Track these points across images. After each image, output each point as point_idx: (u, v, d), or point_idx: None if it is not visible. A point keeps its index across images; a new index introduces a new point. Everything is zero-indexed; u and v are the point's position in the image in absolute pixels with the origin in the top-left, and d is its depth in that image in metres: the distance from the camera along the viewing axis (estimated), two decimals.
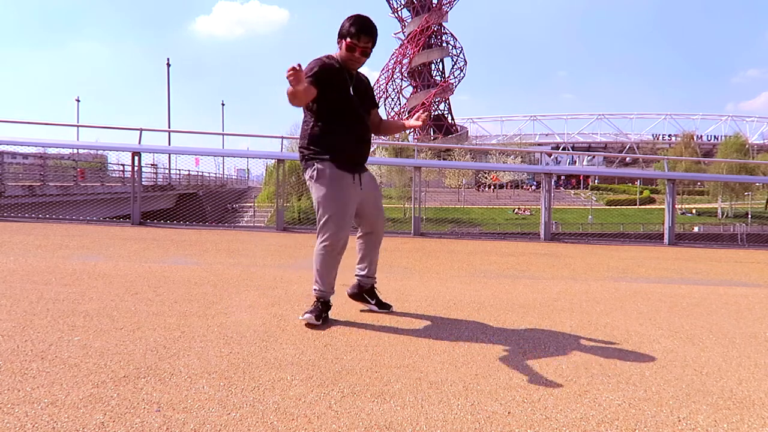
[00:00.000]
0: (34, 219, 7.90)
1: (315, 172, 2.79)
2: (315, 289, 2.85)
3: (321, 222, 2.80)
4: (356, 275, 3.11)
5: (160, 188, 19.69)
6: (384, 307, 3.16)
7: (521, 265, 5.51)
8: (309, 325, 2.76)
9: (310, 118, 2.83)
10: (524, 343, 2.68)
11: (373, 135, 3.03)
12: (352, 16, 2.74)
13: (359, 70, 2.90)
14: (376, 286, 3.15)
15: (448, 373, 2.21)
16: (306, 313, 2.79)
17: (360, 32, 2.69)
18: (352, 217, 2.88)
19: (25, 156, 18.02)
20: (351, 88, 2.81)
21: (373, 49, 2.80)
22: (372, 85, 3.07)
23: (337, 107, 2.78)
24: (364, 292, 3.13)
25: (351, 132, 2.82)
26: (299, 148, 2.89)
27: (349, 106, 2.81)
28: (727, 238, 28.01)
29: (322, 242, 2.80)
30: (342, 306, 3.23)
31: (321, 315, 2.81)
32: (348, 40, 2.70)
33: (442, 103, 76.04)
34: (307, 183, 2.92)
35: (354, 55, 2.73)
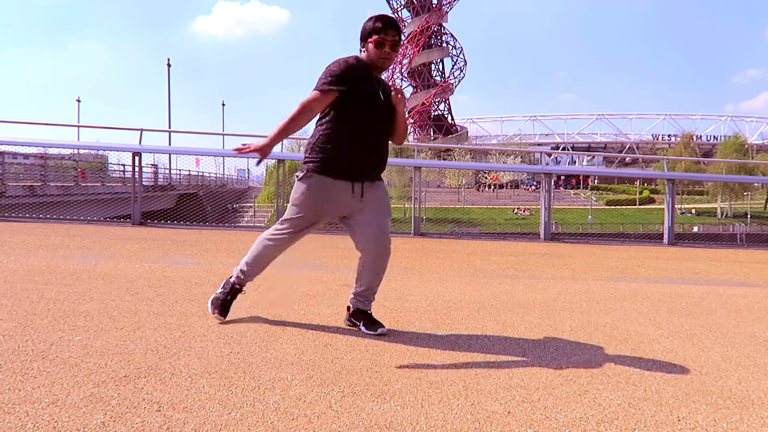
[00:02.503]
0: (34, 219, 7.90)
1: (304, 173, 2.66)
2: (239, 272, 2.80)
3: (288, 215, 2.71)
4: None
5: (161, 188, 19.69)
6: (372, 326, 2.73)
7: (521, 265, 5.51)
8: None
9: (323, 122, 2.66)
10: (524, 343, 2.69)
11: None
12: (371, 17, 2.68)
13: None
14: (370, 311, 2.79)
15: (448, 373, 2.21)
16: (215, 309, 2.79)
17: (386, 26, 2.63)
18: (317, 224, 2.73)
19: (26, 156, 18.01)
20: (380, 93, 2.68)
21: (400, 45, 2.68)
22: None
23: (359, 113, 2.62)
24: (351, 314, 2.81)
25: (367, 139, 2.65)
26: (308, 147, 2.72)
27: (373, 112, 2.64)
28: (726, 238, 28.01)
29: (276, 231, 2.74)
30: (342, 305, 3.24)
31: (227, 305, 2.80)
32: (375, 36, 2.61)
33: (442, 104, 76.06)
34: (294, 180, 2.75)
35: (384, 51, 2.62)
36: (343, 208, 2.69)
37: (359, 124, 2.63)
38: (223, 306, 2.79)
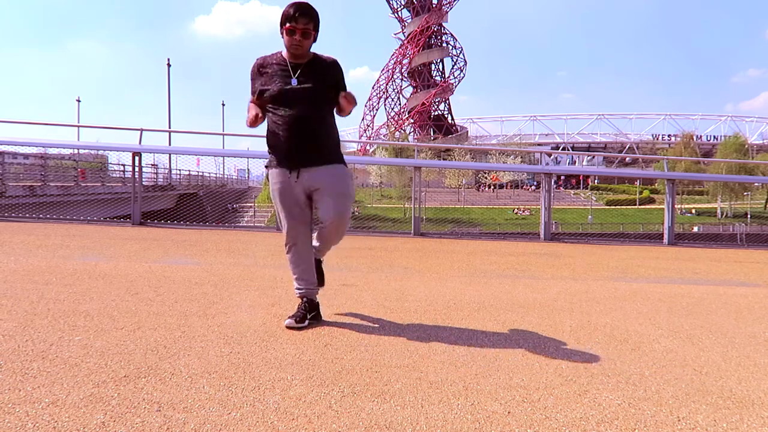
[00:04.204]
0: (34, 219, 7.90)
1: (266, 172, 2.85)
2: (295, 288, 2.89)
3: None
4: None
5: (161, 188, 19.68)
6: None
7: (521, 265, 5.51)
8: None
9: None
10: (524, 343, 2.69)
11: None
12: (289, 3, 2.68)
13: (322, 56, 2.78)
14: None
15: (448, 373, 2.21)
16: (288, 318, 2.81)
17: (297, 14, 2.64)
18: (296, 213, 2.79)
19: (26, 156, 18.01)
20: (294, 78, 2.69)
21: (318, 33, 2.71)
22: (341, 73, 2.80)
23: (271, 102, 2.70)
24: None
25: (285, 125, 2.69)
26: None
27: (282, 97, 2.68)
28: (726, 238, 28.07)
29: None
30: (342, 306, 3.24)
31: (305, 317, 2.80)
32: (287, 24, 2.64)
33: (442, 104, 76.06)
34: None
35: (295, 38, 2.65)
36: (293, 194, 2.77)
37: (280, 111, 2.71)
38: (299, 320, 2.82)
